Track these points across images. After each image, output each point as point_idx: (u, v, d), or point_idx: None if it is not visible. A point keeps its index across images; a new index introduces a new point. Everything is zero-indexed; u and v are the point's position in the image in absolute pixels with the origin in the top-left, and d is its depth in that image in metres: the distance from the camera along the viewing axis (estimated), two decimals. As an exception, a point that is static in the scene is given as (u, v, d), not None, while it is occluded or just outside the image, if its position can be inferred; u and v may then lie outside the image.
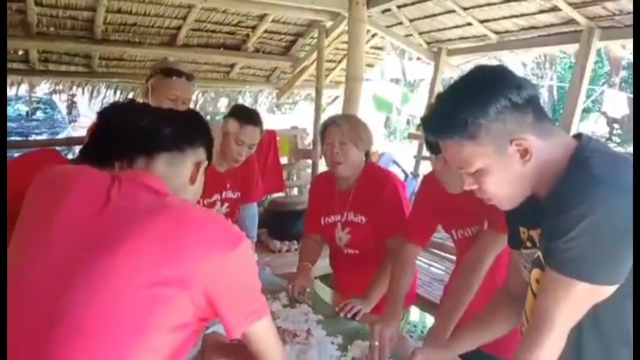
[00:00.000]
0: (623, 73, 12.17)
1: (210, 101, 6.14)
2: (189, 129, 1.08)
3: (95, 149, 1.20)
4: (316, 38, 4.52)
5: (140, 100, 2.28)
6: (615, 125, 13.19)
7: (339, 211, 2.02)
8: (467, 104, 0.92)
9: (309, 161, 4.63)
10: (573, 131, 3.16)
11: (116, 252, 0.80)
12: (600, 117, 14.24)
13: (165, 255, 0.81)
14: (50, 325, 0.76)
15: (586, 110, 14.64)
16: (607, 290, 0.89)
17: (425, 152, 2.68)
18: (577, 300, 0.90)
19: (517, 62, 5.57)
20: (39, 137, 9.12)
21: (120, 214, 0.84)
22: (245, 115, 2.18)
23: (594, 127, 15.05)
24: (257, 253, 2.80)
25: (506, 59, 4.98)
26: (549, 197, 0.94)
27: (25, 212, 0.92)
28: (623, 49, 3.61)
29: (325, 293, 2.07)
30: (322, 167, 4.67)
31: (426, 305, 2.81)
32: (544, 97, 15.85)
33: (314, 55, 4.64)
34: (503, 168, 0.95)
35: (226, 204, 2.39)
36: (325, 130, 1.95)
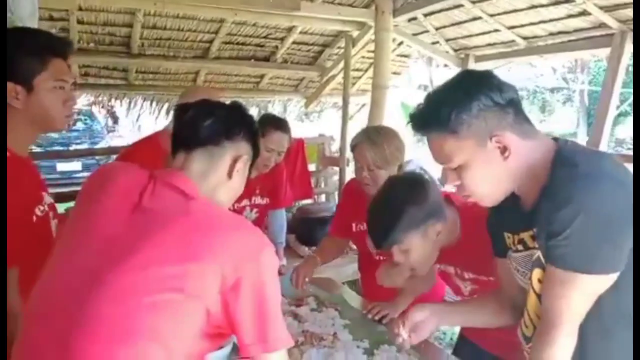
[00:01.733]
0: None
1: None
2: (228, 123, 1.03)
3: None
4: (343, 48, 4.57)
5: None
6: None
7: None
8: (451, 100, 0.97)
9: (336, 168, 4.65)
10: (606, 135, 3.08)
11: (138, 255, 0.82)
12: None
13: (182, 261, 0.82)
14: (75, 322, 0.80)
15: (623, 115, 14.13)
16: (611, 279, 0.92)
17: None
18: (582, 292, 0.93)
19: (547, 67, 5.44)
20: (79, 147, 9.49)
21: (148, 217, 0.87)
22: (273, 123, 2.21)
23: (630, 132, 14.50)
24: (285, 258, 2.84)
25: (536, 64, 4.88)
26: (541, 197, 0.96)
27: (75, 207, 0.96)
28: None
29: (353, 298, 2.07)
30: (349, 173, 4.69)
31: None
32: (575, 101, 15.42)
33: (341, 65, 4.68)
34: (483, 164, 0.98)
35: (255, 210, 2.43)
36: (354, 151, 1.95)
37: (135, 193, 0.90)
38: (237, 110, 1.09)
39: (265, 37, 4.66)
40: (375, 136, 1.90)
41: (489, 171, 0.99)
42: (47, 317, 0.83)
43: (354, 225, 2.08)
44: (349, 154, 4.70)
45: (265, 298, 0.87)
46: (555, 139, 1.03)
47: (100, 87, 4.89)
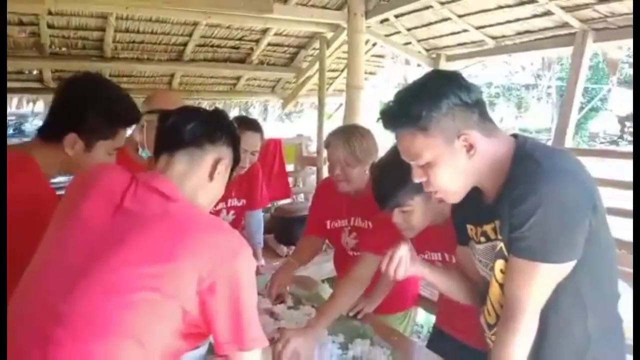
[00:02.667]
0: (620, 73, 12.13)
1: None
2: (209, 126, 1.05)
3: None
4: (318, 49, 4.59)
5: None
6: (627, 123, 13.09)
7: (346, 217, 2.03)
8: (422, 98, 1.00)
9: (314, 168, 4.68)
10: (571, 129, 3.18)
11: (118, 255, 0.84)
12: (610, 115, 14.14)
13: (160, 261, 0.84)
14: (56, 319, 0.81)
15: (595, 109, 14.52)
16: (568, 267, 0.97)
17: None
18: (542, 281, 0.98)
19: (517, 65, 5.58)
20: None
21: (128, 217, 0.88)
22: (244, 124, 2.19)
23: (604, 125, 14.92)
24: (264, 258, 2.85)
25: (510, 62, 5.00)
26: (503, 192, 1.00)
27: (59, 208, 0.97)
28: (620, 50, 3.61)
29: (329, 294, 2.10)
30: (326, 173, 4.72)
31: (430, 305, 2.82)
32: (551, 97, 15.71)
33: (317, 66, 4.71)
34: (450, 161, 1.02)
35: (232, 212, 2.43)
36: (327, 149, 1.96)
37: (118, 195, 0.92)
38: (220, 115, 1.13)
39: (240, 39, 4.66)
40: (347, 134, 1.91)
41: (455, 168, 1.03)
42: (29, 315, 0.84)
43: (328, 222, 2.09)
44: (326, 153, 4.75)
45: (241, 299, 0.88)
46: (515, 136, 1.08)
47: (74, 91, 4.81)
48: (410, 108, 1.00)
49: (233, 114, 6.72)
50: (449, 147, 1.01)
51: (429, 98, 0.99)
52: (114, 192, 0.92)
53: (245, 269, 0.90)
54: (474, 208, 1.12)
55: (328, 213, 2.09)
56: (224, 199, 2.37)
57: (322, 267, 3.23)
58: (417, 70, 5.91)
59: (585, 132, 15.05)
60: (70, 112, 1.23)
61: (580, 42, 3.09)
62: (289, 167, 4.77)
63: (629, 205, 2.78)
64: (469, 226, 1.19)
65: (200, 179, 1.02)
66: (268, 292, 1.93)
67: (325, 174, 4.67)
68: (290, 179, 4.74)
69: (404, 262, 1.23)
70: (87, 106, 1.22)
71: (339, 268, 2.25)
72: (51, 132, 1.24)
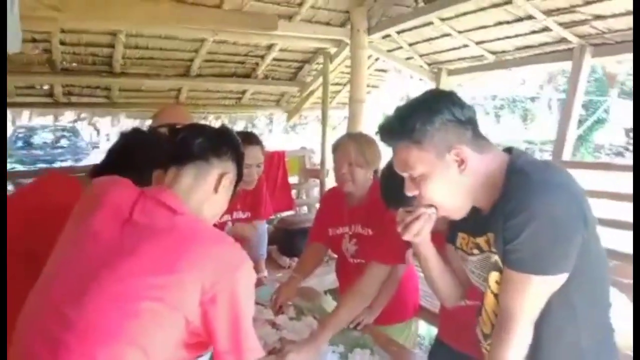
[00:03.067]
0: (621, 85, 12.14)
1: (227, 124, 6.29)
2: (216, 142, 1.11)
3: (130, 157, 1.30)
4: (322, 64, 4.66)
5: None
6: (632, 135, 13.08)
7: (347, 223, 2.07)
8: (417, 113, 1.05)
9: (317, 180, 4.71)
10: (570, 142, 3.20)
11: (125, 265, 0.88)
12: (615, 127, 14.08)
13: (164, 273, 0.88)
14: (65, 324, 0.85)
15: (600, 122, 14.48)
16: (561, 279, 0.99)
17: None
18: (535, 292, 1.00)
19: (518, 79, 5.63)
20: (63, 164, 9.41)
21: (137, 230, 0.93)
22: (243, 139, 2.23)
23: (609, 137, 14.86)
24: (267, 269, 2.88)
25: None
26: (497, 205, 1.03)
27: (70, 220, 1.01)
28: (619, 65, 3.65)
29: (332, 306, 2.11)
30: (329, 185, 4.75)
31: (431, 317, 2.83)
32: (547, 110, 15.65)
33: (320, 80, 4.77)
34: (441, 174, 1.05)
35: (237, 224, 2.47)
36: (335, 150, 2.02)
37: (126, 208, 0.96)
38: (225, 132, 1.19)
39: (245, 55, 4.74)
40: (356, 137, 2.02)
41: (446, 182, 1.06)
42: (40, 319, 0.89)
43: (330, 230, 2.13)
44: (329, 165, 4.79)
45: (240, 311, 0.92)
46: (509, 150, 1.11)
47: (83, 105, 4.91)
48: (406, 122, 1.05)
49: (239, 126, 6.82)
50: (441, 161, 1.04)
51: (424, 113, 1.04)
52: (122, 205, 0.96)
53: (245, 282, 0.94)
54: (470, 218, 1.14)
55: (330, 220, 2.13)
56: (229, 211, 2.39)
57: (325, 278, 3.25)
58: (419, 84, 5.98)
59: (590, 144, 15.00)
60: None
61: (579, 57, 3.14)
62: (293, 180, 4.81)
63: (629, 217, 2.79)
64: (461, 234, 1.21)
65: (206, 192, 1.07)
66: (272, 305, 1.95)
67: (328, 186, 4.71)
68: (293, 191, 4.77)
69: (428, 227, 1.16)
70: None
71: (340, 276, 2.27)
72: None
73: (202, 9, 3.49)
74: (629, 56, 3.05)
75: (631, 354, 2.42)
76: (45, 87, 4.61)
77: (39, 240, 1.04)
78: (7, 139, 11.51)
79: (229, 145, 1.13)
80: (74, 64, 4.34)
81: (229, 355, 0.92)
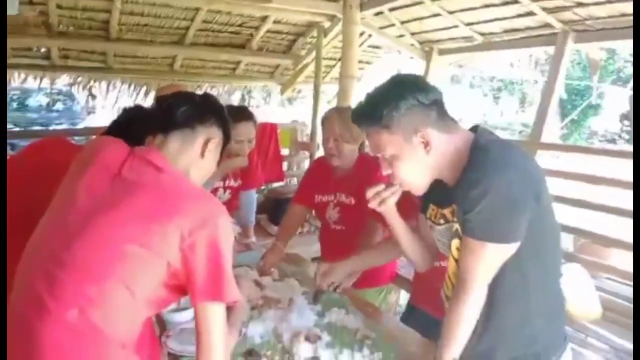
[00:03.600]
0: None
1: (222, 94, 6.26)
2: (200, 109, 1.17)
3: (128, 128, 1.36)
4: (316, 37, 4.66)
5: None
6: (626, 122, 13.14)
7: (333, 192, 2.15)
8: (384, 100, 1.14)
9: (308, 153, 4.78)
10: (548, 125, 3.29)
11: (113, 214, 0.98)
12: (609, 113, 14.09)
13: (148, 221, 0.97)
14: (60, 263, 0.95)
15: (593, 107, 14.50)
16: (512, 248, 1.09)
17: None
18: (489, 258, 1.11)
19: (506, 62, 5.66)
20: (58, 127, 9.33)
21: (124, 184, 1.02)
22: (237, 115, 2.25)
23: (604, 124, 14.91)
24: (255, 236, 2.97)
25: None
26: (460, 179, 1.13)
27: (68, 173, 1.10)
28: (601, 51, 3.72)
29: (314, 270, 2.20)
30: (319, 158, 4.80)
31: (408, 285, 2.97)
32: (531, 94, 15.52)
33: (314, 54, 4.77)
34: (409, 155, 1.15)
35: (228, 191, 2.55)
36: (324, 123, 2.07)
37: (117, 165, 1.04)
38: (210, 99, 1.25)
39: (240, 25, 4.71)
40: (344, 112, 2.02)
41: (414, 162, 1.16)
42: (38, 260, 0.99)
43: (316, 196, 2.20)
44: (319, 139, 4.84)
45: (220, 256, 1.00)
46: (475, 128, 1.19)
47: (79, 69, 4.88)
48: (374, 109, 1.14)
49: (235, 97, 6.82)
50: (408, 143, 1.13)
51: (390, 100, 1.12)
52: (113, 162, 1.05)
53: (222, 230, 1.01)
54: (439, 192, 1.23)
55: (317, 188, 2.21)
56: (222, 178, 2.46)
57: (311, 247, 3.36)
58: (410, 62, 5.98)
59: (584, 129, 14.97)
60: None
61: (561, 42, 3.19)
62: (284, 152, 4.86)
63: (616, 202, 2.92)
64: (431, 206, 1.31)
65: (192, 156, 1.14)
66: (258, 269, 2.04)
67: (317, 158, 4.77)
68: (284, 163, 4.83)
69: (392, 199, 1.29)
70: None
71: (322, 242, 2.36)
72: None
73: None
74: (611, 43, 3.11)
75: (586, 323, 2.59)
76: (42, 49, 4.58)
77: (37, 197, 1.11)
78: (1, 100, 11.41)
79: (212, 112, 1.20)
80: (71, 28, 4.30)
81: (209, 294, 0.99)
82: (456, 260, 1.20)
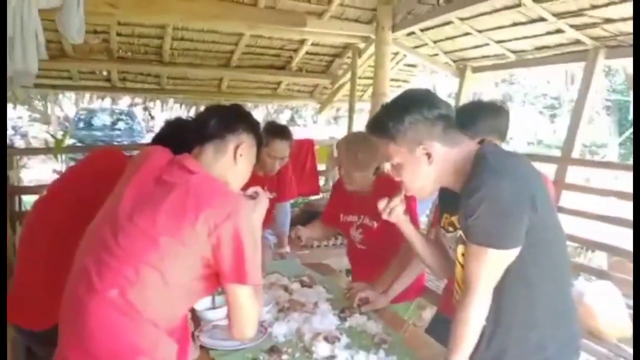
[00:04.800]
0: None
1: (272, 114, 6.46)
2: (228, 119, 1.25)
3: (171, 140, 1.46)
4: (351, 58, 4.76)
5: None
6: None
7: (356, 213, 2.11)
8: (391, 114, 1.19)
9: (343, 168, 4.81)
10: (579, 141, 3.20)
11: (151, 210, 1.09)
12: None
13: (178, 217, 1.08)
14: (107, 249, 1.08)
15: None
16: (513, 253, 1.10)
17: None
18: (490, 263, 1.11)
19: (543, 79, 5.52)
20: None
21: (163, 186, 1.13)
22: (274, 133, 2.32)
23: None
24: (289, 246, 3.04)
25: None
26: (462, 188, 1.15)
27: (121, 178, 1.23)
28: (637, 66, 3.57)
29: (344, 282, 2.20)
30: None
31: (433, 296, 2.94)
32: (612, 111, 14.63)
33: (350, 73, 4.88)
34: (413, 165, 1.19)
35: None
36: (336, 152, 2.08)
37: (159, 169, 1.17)
38: (237, 109, 1.34)
39: (280, 48, 4.91)
40: (350, 142, 1.99)
41: (417, 172, 1.20)
42: (92, 247, 1.13)
43: (341, 215, 2.20)
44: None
45: (242, 246, 1.09)
46: (482, 141, 1.22)
47: (136, 90, 5.24)
48: (383, 121, 1.19)
49: (285, 116, 7.01)
50: (412, 154, 1.18)
51: (396, 114, 1.17)
52: (157, 167, 1.18)
53: (244, 223, 1.10)
54: (451, 200, 1.25)
55: (342, 207, 2.20)
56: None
57: (342, 259, 3.38)
58: (444, 80, 5.97)
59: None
60: None
61: (592, 58, 3.11)
62: (321, 167, 4.94)
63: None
64: (444, 214, 1.33)
65: (226, 163, 1.23)
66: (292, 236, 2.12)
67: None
68: (321, 178, 4.91)
69: (399, 208, 1.36)
70: None
71: (350, 258, 2.34)
72: None
73: (237, 5, 3.69)
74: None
75: (618, 342, 2.48)
76: (104, 72, 4.95)
77: (93, 196, 1.26)
78: (71, 119, 12.21)
79: (239, 120, 1.28)
80: (129, 53, 4.64)
81: (234, 279, 1.09)
82: (462, 266, 1.21)
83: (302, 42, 4.83)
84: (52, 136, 7.11)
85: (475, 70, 4.66)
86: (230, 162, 1.24)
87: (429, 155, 1.17)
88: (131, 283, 1.05)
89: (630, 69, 3.57)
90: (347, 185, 2.05)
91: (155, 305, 1.08)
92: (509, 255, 1.11)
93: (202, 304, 1.65)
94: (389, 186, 1.89)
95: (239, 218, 1.10)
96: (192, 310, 1.58)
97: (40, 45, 2.36)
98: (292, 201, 3.15)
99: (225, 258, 1.09)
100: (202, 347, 1.43)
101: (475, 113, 1.61)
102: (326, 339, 1.48)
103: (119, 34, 4.32)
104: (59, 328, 1.12)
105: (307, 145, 4.63)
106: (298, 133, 6.74)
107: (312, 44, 4.91)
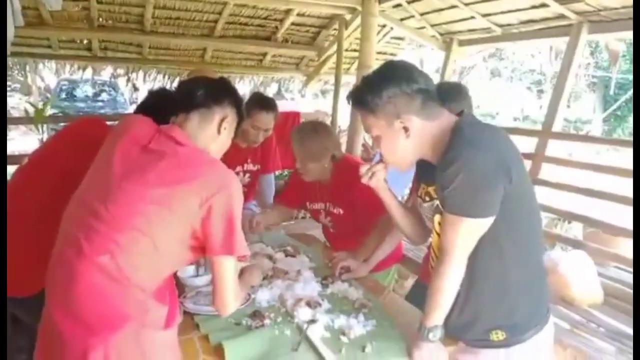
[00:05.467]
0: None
1: (259, 87, 6.37)
2: (216, 91, 1.28)
3: (154, 109, 1.46)
4: (338, 29, 4.68)
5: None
6: None
7: (321, 200, 2.12)
8: (371, 87, 1.20)
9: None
10: (560, 114, 3.24)
11: (140, 178, 1.10)
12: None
13: (169, 185, 1.09)
14: (96, 216, 1.09)
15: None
16: (487, 222, 1.14)
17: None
18: (465, 231, 1.16)
19: (527, 53, 5.54)
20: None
21: (150, 155, 1.14)
22: (259, 104, 2.31)
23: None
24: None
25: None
26: (438, 160, 1.17)
27: (104, 145, 1.23)
28: (620, 42, 3.60)
29: (326, 250, 2.19)
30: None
31: (413, 265, 3.02)
32: (597, 88, 14.51)
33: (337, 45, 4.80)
34: (391, 138, 1.22)
35: (247, 175, 2.62)
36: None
37: (145, 138, 1.17)
38: (224, 83, 1.36)
39: (265, 18, 4.81)
40: (303, 135, 1.98)
41: (395, 144, 1.22)
42: (79, 214, 1.14)
43: (308, 203, 2.18)
44: (342, 127, 4.89)
45: (232, 218, 1.13)
46: (460, 113, 1.24)
47: (118, 60, 5.11)
48: (362, 95, 1.21)
49: (271, 90, 6.92)
50: (390, 128, 1.20)
51: (375, 88, 1.18)
52: (143, 136, 1.18)
53: (234, 196, 1.14)
54: (428, 171, 1.28)
55: (307, 195, 2.16)
56: (241, 163, 2.54)
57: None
58: (432, 54, 5.94)
59: (627, 124, 14.19)
60: None
61: (576, 33, 3.12)
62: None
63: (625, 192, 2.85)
64: (422, 185, 1.36)
65: (210, 133, 1.25)
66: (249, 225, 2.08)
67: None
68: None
69: (380, 173, 1.37)
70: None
71: (326, 239, 2.33)
72: None
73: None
74: (626, 34, 3.02)
75: (588, 309, 2.58)
76: (85, 41, 4.81)
77: (70, 161, 1.30)
78: (52, 90, 11.90)
79: (227, 93, 1.30)
80: (109, 21, 4.50)
81: (222, 250, 1.12)
82: (438, 235, 1.25)
83: (287, 12, 4.73)
84: (32, 105, 6.92)
85: (462, 43, 4.65)
86: (214, 134, 1.26)
87: (406, 129, 1.19)
88: (120, 249, 1.07)
89: (612, 45, 3.59)
90: (304, 177, 2.04)
91: (143, 272, 1.10)
92: (483, 224, 1.15)
93: (186, 272, 1.69)
94: (347, 171, 1.96)
95: (230, 191, 1.12)
96: (176, 278, 1.62)
97: (16, 11, 2.27)
98: (276, 173, 3.16)
99: (215, 229, 1.11)
100: (186, 313, 1.46)
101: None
102: (308, 304, 1.52)
103: (99, 2, 4.17)
104: (46, 292, 1.13)
105: (292, 118, 4.60)
106: (285, 106, 6.68)
107: (298, 14, 4.81)
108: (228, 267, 1.16)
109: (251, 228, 2.10)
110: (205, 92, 1.26)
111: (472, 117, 1.24)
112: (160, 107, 1.36)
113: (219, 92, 1.29)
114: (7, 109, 12.33)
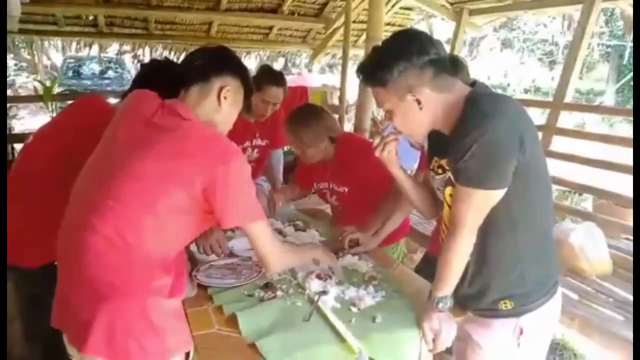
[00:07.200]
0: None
1: (266, 60, 6.31)
2: (213, 61, 1.25)
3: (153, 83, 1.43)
4: (345, 0, 4.58)
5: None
6: None
7: (326, 180, 2.11)
8: (381, 62, 1.17)
9: (337, 115, 4.79)
10: (572, 85, 3.17)
11: (145, 152, 1.12)
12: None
13: (172, 159, 1.10)
14: (103, 191, 1.11)
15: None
16: (499, 193, 1.14)
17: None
18: (477, 203, 1.15)
19: (539, 22, 5.39)
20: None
21: (154, 129, 1.15)
22: (269, 77, 2.28)
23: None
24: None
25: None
26: (452, 131, 1.16)
27: (111, 122, 1.25)
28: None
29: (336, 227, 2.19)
30: (347, 122, 4.83)
31: (422, 238, 3.03)
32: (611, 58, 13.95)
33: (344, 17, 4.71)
34: (404, 111, 1.20)
35: (256, 150, 2.61)
36: None
37: (150, 113, 1.18)
38: (222, 51, 1.33)
39: (271, -11, 4.72)
40: (295, 123, 1.96)
41: (408, 117, 1.21)
42: (87, 187, 1.17)
43: (315, 184, 2.18)
44: (350, 101, 4.84)
45: (240, 186, 1.14)
46: (474, 83, 1.22)
47: (124, 36, 5.07)
48: (372, 70, 1.19)
49: (278, 65, 6.85)
50: (402, 101, 1.18)
51: (386, 63, 1.16)
52: (147, 110, 1.19)
53: (238, 165, 1.14)
54: (441, 143, 1.26)
55: (313, 175, 2.17)
56: (250, 138, 2.53)
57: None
58: (442, 24, 5.80)
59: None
60: None
61: (589, 0, 3.02)
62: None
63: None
64: (435, 158, 1.34)
65: (211, 104, 1.24)
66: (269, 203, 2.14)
67: (346, 122, 4.80)
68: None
69: (392, 145, 1.35)
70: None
71: (333, 213, 2.33)
72: None
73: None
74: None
75: (597, 279, 2.59)
76: (90, 17, 4.77)
77: (76, 142, 1.31)
78: (59, 68, 11.91)
79: (225, 62, 1.27)
80: (115, -4, 4.45)
81: (241, 219, 1.17)
82: (450, 207, 1.25)
83: (294, -18, 4.64)
84: (41, 83, 6.94)
85: (473, 12, 4.53)
86: (215, 105, 1.24)
87: (418, 101, 1.17)
88: (127, 221, 1.09)
89: (628, 11, 3.48)
90: (305, 161, 2.04)
91: (149, 243, 1.12)
92: (496, 195, 1.14)
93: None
94: (349, 150, 1.98)
95: (233, 161, 1.13)
96: (189, 252, 1.65)
97: (21, -13, 2.26)
98: (285, 149, 3.16)
99: (224, 200, 1.12)
100: (199, 286, 1.50)
101: None
102: (319, 276, 1.55)
103: (103, -25, 4.13)
104: (58, 264, 1.18)
105: (300, 92, 4.58)
106: (293, 81, 6.62)
107: (305, -15, 4.72)
108: (256, 231, 1.21)
109: (274, 211, 2.12)
110: (201, 63, 1.25)
111: (485, 87, 1.22)
112: (160, 80, 1.35)
113: (216, 61, 1.27)
114: (16, 87, 12.35)
